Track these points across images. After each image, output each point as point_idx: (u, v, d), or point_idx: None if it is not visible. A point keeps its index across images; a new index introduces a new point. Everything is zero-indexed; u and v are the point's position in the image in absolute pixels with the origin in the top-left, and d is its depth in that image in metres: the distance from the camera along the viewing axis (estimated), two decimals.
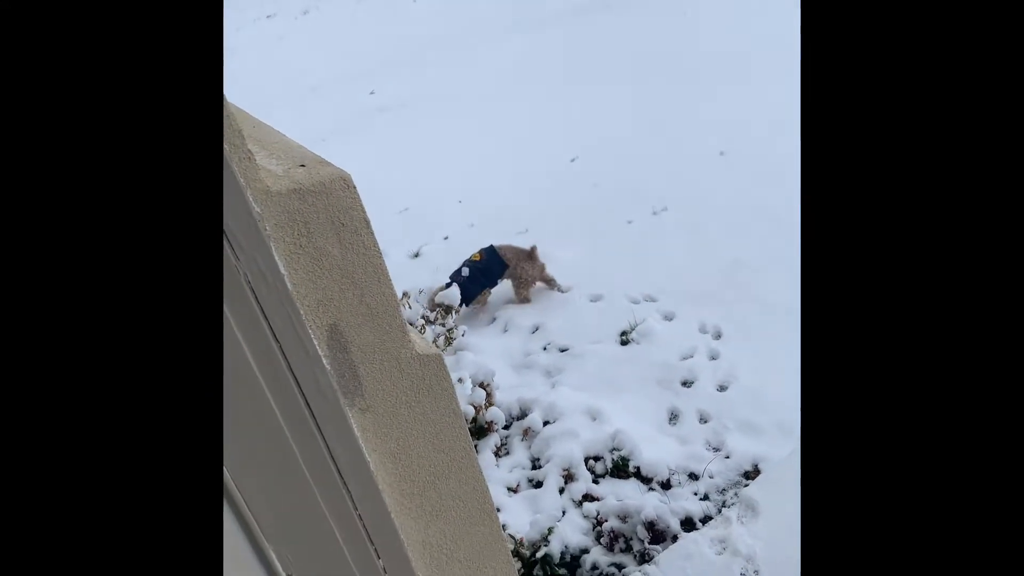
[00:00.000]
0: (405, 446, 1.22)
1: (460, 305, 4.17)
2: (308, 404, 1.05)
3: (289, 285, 1.02)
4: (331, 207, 1.03)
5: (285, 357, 1.03)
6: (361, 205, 1.06)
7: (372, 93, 9.25)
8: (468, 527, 1.34)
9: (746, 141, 5.74)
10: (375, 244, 1.09)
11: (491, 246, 4.35)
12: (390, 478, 1.22)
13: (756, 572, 2.10)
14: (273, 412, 1.03)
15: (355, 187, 1.05)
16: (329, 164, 1.07)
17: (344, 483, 1.12)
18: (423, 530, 1.28)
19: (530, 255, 4.35)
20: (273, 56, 12.65)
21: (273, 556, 1.10)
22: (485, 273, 4.29)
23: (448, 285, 4.18)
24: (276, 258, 0.99)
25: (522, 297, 4.36)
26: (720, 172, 5.43)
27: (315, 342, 1.05)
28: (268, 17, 15.81)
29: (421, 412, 1.22)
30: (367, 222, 1.07)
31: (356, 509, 1.14)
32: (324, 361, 1.07)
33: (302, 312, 1.04)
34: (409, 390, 1.19)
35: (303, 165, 1.06)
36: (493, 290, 4.42)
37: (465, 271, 4.25)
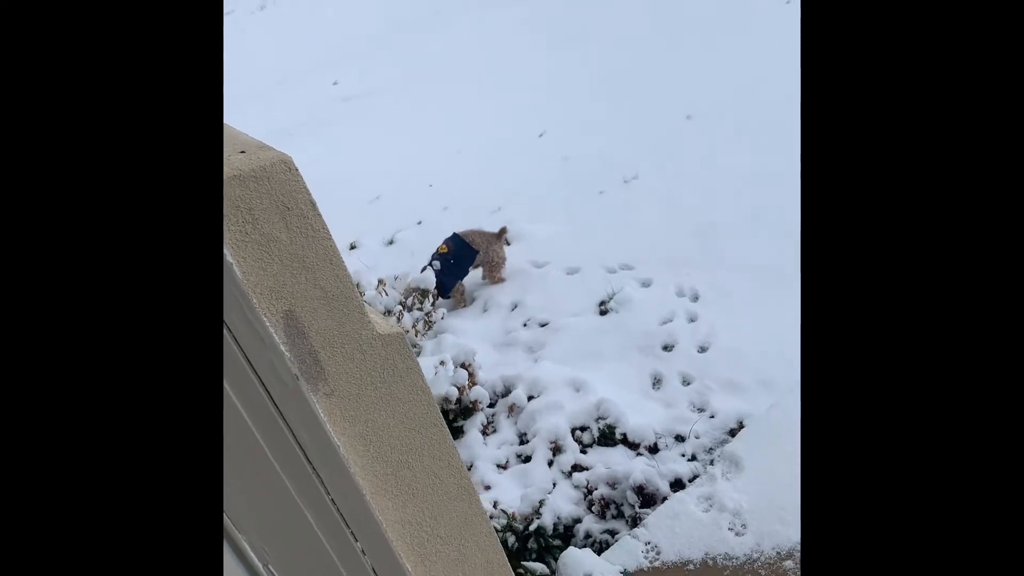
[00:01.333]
0: (374, 427, 1.22)
1: (443, 295, 4.16)
2: (268, 392, 1.04)
3: (238, 273, 1.01)
4: (275, 192, 1.02)
5: (240, 347, 1.02)
6: (305, 187, 1.05)
7: (335, 83, 9.15)
8: (446, 503, 1.34)
9: (711, 104, 5.74)
10: (324, 226, 1.08)
11: (455, 234, 4.32)
12: (362, 460, 1.22)
13: (744, 526, 2.13)
14: (232, 402, 1.02)
15: (297, 170, 1.03)
16: (270, 148, 1.05)
17: (313, 468, 1.11)
18: (400, 509, 1.29)
19: (498, 236, 4.33)
20: (236, 52, 12.47)
21: (247, 546, 1.09)
22: (457, 262, 4.25)
23: (423, 270, 4.17)
24: (223, 247, 0.98)
25: (496, 279, 4.34)
26: (688, 136, 5.43)
27: (270, 329, 1.04)
28: (227, 14, 15.61)
29: (388, 392, 1.21)
30: (313, 204, 1.06)
31: (328, 494, 1.14)
32: (282, 348, 1.06)
33: (254, 300, 1.03)
34: (373, 371, 1.18)
35: (243, 152, 1.04)
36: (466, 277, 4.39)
37: (436, 264, 4.19)
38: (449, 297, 4.32)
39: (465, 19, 10.15)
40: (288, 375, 1.06)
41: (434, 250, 4.32)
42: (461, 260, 4.26)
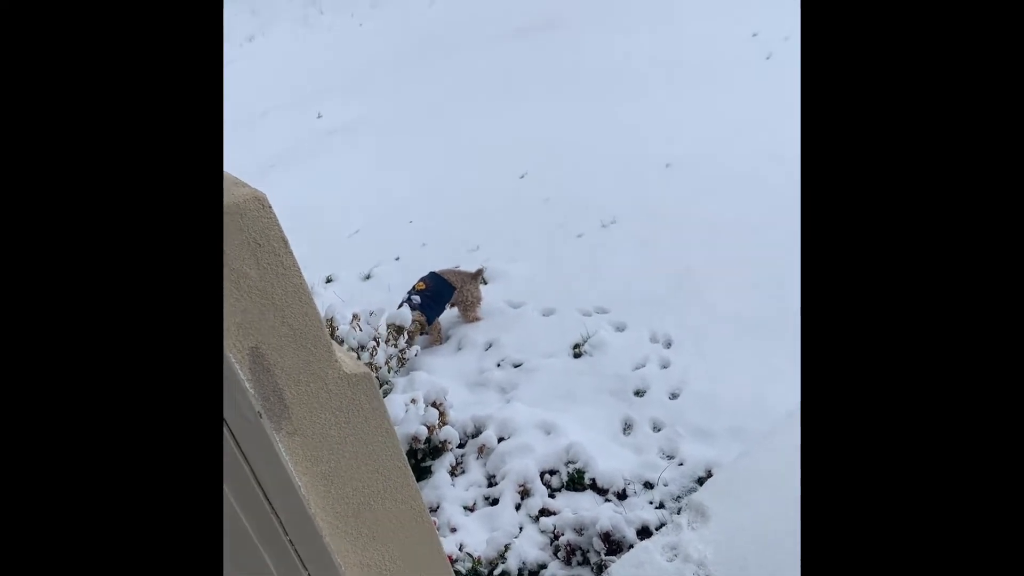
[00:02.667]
0: (337, 468, 1.20)
1: (415, 334, 4.15)
2: (229, 428, 1.03)
3: None
4: (247, 228, 1.02)
5: None
6: (278, 224, 1.05)
7: (320, 116, 9.19)
8: (407, 548, 1.32)
9: (690, 153, 5.83)
10: (295, 264, 1.08)
11: (432, 272, 4.33)
12: (323, 501, 1.20)
13: None
14: None
15: (271, 207, 1.04)
16: (244, 185, 1.06)
17: (272, 508, 1.10)
18: (360, 552, 1.27)
19: (474, 276, 4.34)
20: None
21: None
22: (435, 299, 4.26)
23: (400, 306, 4.16)
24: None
25: (471, 318, 4.34)
26: (666, 183, 5.50)
27: (235, 365, 1.03)
28: None
29: (352, 433, 1.20)
30: (285, 241, 1.06)
31: (287, 534, 1.13)
32: (246, 384, 1.05)
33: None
34: (338, 411, 1.18)
35: None
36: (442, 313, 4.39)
37: (416, 299, 4.19)
38: (426, 333, 4.29)
39: (451, 60, 10.28)
40: (251, 412, 1.05)
41: (411, 287, 4.31)
42: (439, 297, 4.26)
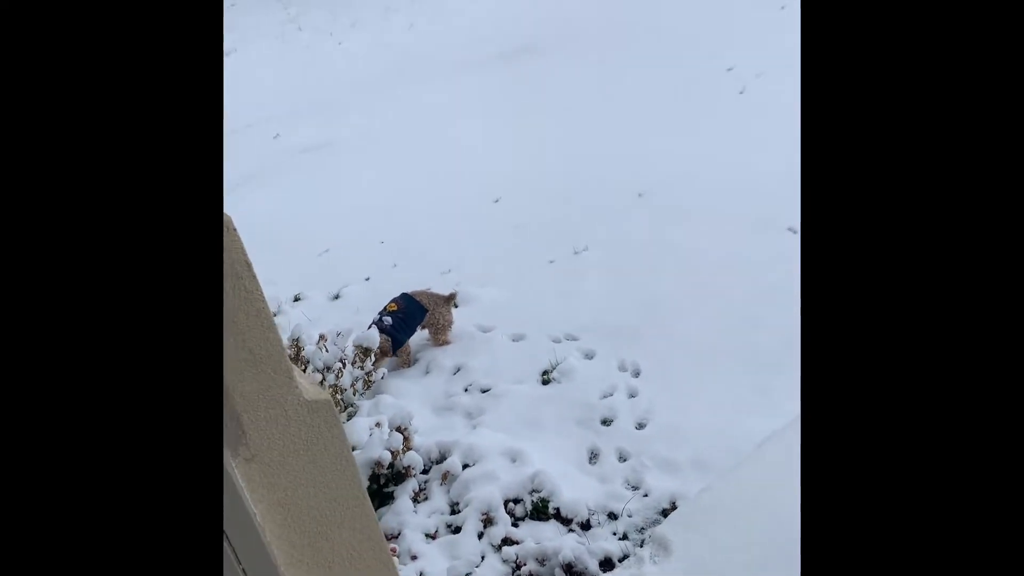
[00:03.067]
0: (294, 496, 1.18)
1: (383, 355, 4.12)
2: None
3: None
4: None
5: None
6: (242, 248, 1.04)
7: (276, 136, 9.13)
8: None
9: (663, 183, 5.89)
10: (258, 288, 1.06)
11: (404, 294, 4.31)
12: (279, 529, 1.18)
13: None
14: None
15: (235, 230, 1.02)
16: None
17: (225, 535, 1.07)
18: None
19: (447, 299, 4.33)
20: None
21: None
22: (407, 320, 4.23)
23: (370, 327, 4.13)
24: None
25: (441, 341, 4.32)
26: (639, 213, 5.55)
27: None
28: None
29: (310, 460, 1.18)
30: (249, 265, 1.04)
31: (240, 563, 1.10)
32: None
33: None
34: (297, 438, 1.16)
35: None
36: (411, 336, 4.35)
37: (387, 320, 4.15)
38: (396, 355, 4.26)
39: (430, 83, 10.32)
40: None
41: (382, 308, 4.28)
42: (410, 319, 4.24)
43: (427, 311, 4.25)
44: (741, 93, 7.64)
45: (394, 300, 4.28)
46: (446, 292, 4.41)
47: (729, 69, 8.37)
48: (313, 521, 1.22)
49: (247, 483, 1.12)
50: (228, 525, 1.07)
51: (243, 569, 1.11)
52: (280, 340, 1.09)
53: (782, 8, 10.15)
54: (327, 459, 1.19)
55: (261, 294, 1.06)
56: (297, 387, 1.13)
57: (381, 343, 4.06)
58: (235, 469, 1.09)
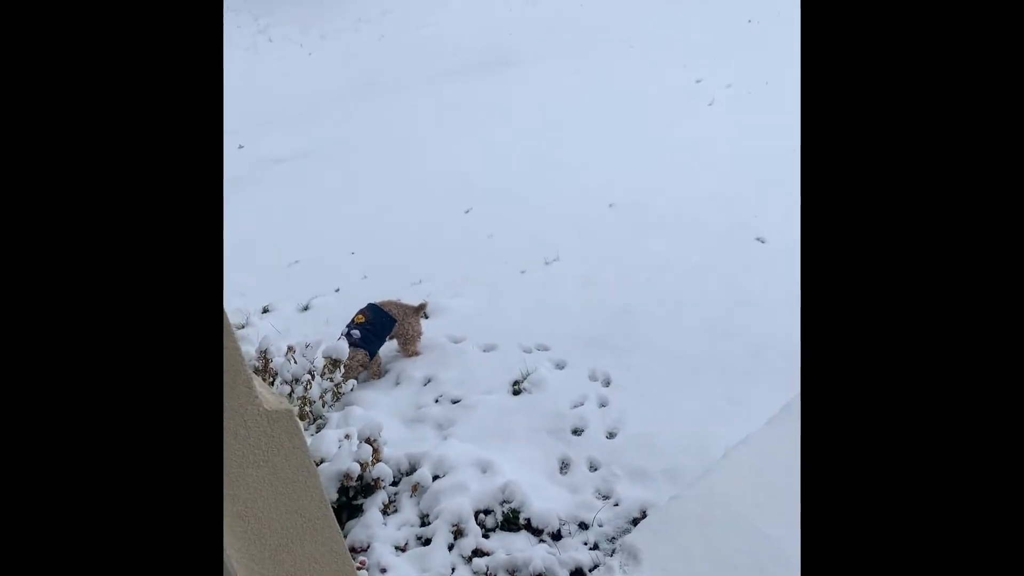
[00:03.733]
0: (253, 507, 1.15)
1: (355, 368, 4.07)
2: None
3: None
4: None
5: None
6: None
7: (241, 147, 9.06)
8: None
9: (633, 194, 5.93)
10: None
11: (371, 304, 4.27)
12: (238, 542, 1.15)
13: None
14: None
15: None
16: None
17: None
18: None
19: (416, 310, 4.29)
20: None
21: None
22: (376, 332, 4.18)
23: (340, 338, 4.08)
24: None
25: (410, 352, 4.29)
26: (610, 223, 5.57)
27: None
28: None
29: (271, 471, 1.16)
30: None
31: None
32: None
33: None
34: (256, 448, 1.13)
35: None
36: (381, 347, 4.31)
37: (355, 333, 4.10)
38: (367, 368, 4.21)
39: (400, 94, 10.31)
40: None
41: (349, 319, 4.24)
42: (379, 330, 4.20)
43: (396, 322, 4.22)
44: (710, 105, 7.73)
45: (361, 311, 4.24)
46: (415, 303, 4.38)
47: (698, 81, 8.47)
48: (274, 534, 1.19)
49: None
50: None
51: None
52: (239, 349, 1.07)
53: (748, 22, 10.30)
54: (288, 470, 1.17)
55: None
56: (257, 397, 1.10)
57: (360, 356, 4.03)
58: None
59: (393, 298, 4.43)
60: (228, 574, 1.10)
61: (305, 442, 1.17)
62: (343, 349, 3.88)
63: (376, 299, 4.37)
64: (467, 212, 6.28)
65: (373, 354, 4.19)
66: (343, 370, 3.89)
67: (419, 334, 4.29)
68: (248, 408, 1.10)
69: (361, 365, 4.08)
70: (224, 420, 1.08)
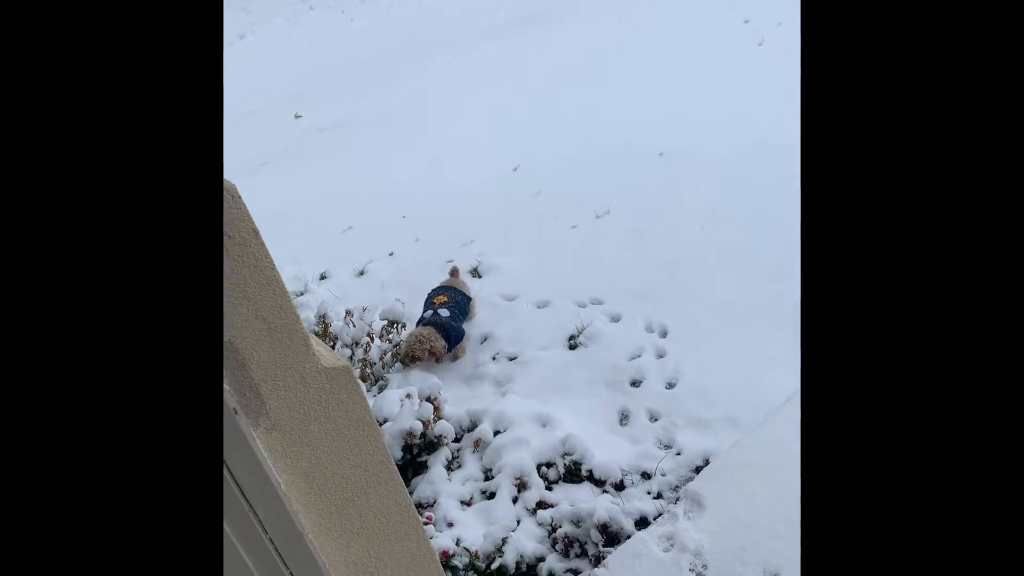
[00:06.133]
0: (318, 464, 1.18)
1: (449, 349, 3.83)
2: None
3: None
4: None
5: None
6: (248, 215, 1.03)
7: (298, 116, 9.13)
8: (393, 543, 1.30)
9: (683, 142, 5.80)
10: (267, 255, 1.05)
11: (445, 285, 4.09)
12: (304, 498, 1.18)
13: (704, 566, 2.10)
14: None
15: (240, 198, 1.01)
16: None
17: (251, 506, 1.07)
18: (345, 549, 1.25)
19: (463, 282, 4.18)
20: None
21: None
22: (460, 309, 3.97)
23: (424, 322, 3.86)
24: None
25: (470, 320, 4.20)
26: (659, 173, 5.47)
27: None
28: None
29: (333, 427, 1.18)
30: (256, 232, 1.03)
31: (266, 533, 1.10)
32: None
33: None
34: (318, 405, 1.15)
35: None
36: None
37: (444, 311, 3.84)
38: (451, 352, 3.91)
39: (441, 56, 10.24)
40: (226, 409, 1.03)
41: (426, 301, 4.00)
42: (461, 308, 3.99)
43: (471, 299, 4.08)
44: (760, 45, 7.48)
45: (440, 292, 4.03)
46: (461, 267, 4.22)
47: (746, 21, 8.20)
48: (339, 488, 1.22)
49: (269, 453, 1.12)
50: (252, 495, 1.08)
51: (270, 539, 1.11)
52: (293, 308, 1.09)
53: None
54: (349, 426, 1.19)
55: (271, 261, 1.05)
56: (314, 355, 1.12)
57: (435, 348, 3.72)
58: (257, 440, 1.09)
59: (446, 260, 4.40)
60: (298, 530, 1.13)
61: (364, 398, 1.19)
62: (399, 311, 3.92)
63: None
64: (515, 170, 6.24)
65: (462, 334, 3.93)
66: (411, 354, 3.68)
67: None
68: (307, 366, 1.12)
69: (435, 357, 3.76)
70: (284, 379, 1.10)
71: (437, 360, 3.78)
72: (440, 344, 3.73)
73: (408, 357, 3.67)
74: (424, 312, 3.95)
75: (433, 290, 4.09)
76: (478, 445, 3.28)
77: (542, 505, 2.96)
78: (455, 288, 4.06)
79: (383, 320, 3.96)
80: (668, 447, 3.14)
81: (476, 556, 2.74)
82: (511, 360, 3.92)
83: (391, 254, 5.36)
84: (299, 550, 1.13)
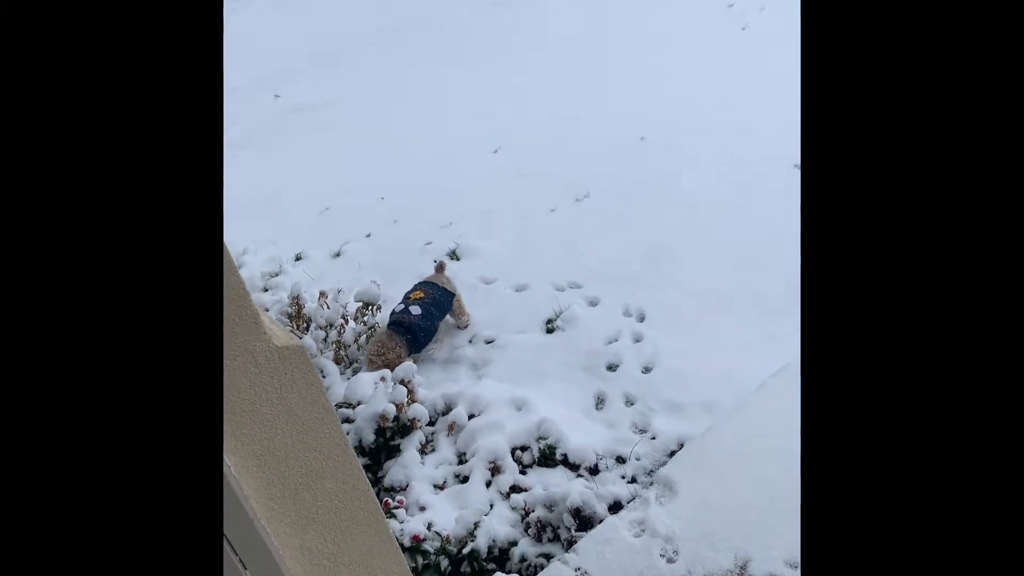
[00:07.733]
0: (270, 447, 1.14)
1: (418, 350, 3.74)
2: None
3: None
4: None
5: None
6: None
7: (277, 96, 9.00)
8: (351, 528, 1.26)
9: (665, 127, 5.76)
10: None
11: (426, 280, 3.95)
12: (255, 482, 1.14)
13: (676, 552, 2.08)
14: None
15: None
16: None
17: None
18: (299, 535, 1.21)
19: (448, 279, 4.03)
20: None
21: None
22: (437, 306, 3.82)
23: (396, 315, 3.72)
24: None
25: (464, 323, 4.06)
26: (641, 158, 5.44)
27: None
28: None
29: (285, 409, 1.14)
30: None
31: None
32: None
33: None
34: (269, 386, 1.11)
35: None
36: None
37: (416, 309, 3.69)
38: (420, 352, 3.82)
39: (422, 36, 10.12)
40: None
41: (403, 300, 3.81)
42: (440, 304, 3.85)
43: (454, 295, 3.93)
44: (743, 29, 7.45)
45: (419, 287, 3.86)
46: (433, 266, 4.11)
47: (730, 5, 8.15)
48: (294, 472, 1.18)
49: None
50: None
51: None
52: (243, 284, 1.04)
53: None
54: (303, 407, 1.14)
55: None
56: (265, 333, 1.08)
57: (397, 347, 3.61)
58: None
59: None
60: (248, 515, 1.09)
61: (319, 378, 1.14)
62: (374, 293, 3.86)
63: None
64: (495, 152, 6.19)
65: (431, 335, 3.83)
66: (372, 360, 3.57)
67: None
68: (257, 345, 1.07)
69: (397, 356, 3.60)
70: (232, 358, 1.06)
71: (397, 358, 3.59)
72: (395, 355, 3.57)
73: (370, 363, 3.59)
74: (396, 306, 3.79)
75: (414, 285, 3.93)
76: (452, 429, 3.24)
77: (516, 489, 2.93)
78: (435, 284, 3.88)
79: (358, 302, 3.91)
80: (643, 431, 3.13)
81: (448, 540, 2.71)
82: (488, 343, 3.88)
83: (368, 235, 5.30)
84: (250, 537, 1.09)
